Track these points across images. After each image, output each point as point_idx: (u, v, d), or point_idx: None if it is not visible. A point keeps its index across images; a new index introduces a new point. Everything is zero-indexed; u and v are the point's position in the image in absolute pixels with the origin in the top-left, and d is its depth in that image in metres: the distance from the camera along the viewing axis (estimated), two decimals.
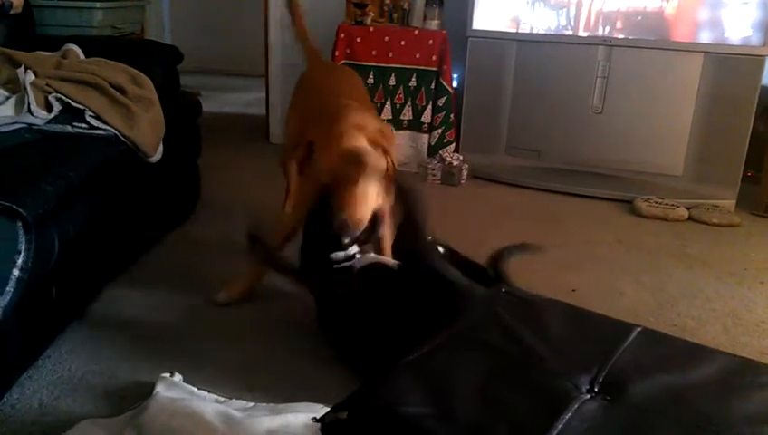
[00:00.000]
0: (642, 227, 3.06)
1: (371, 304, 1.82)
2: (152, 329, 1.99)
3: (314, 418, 1.11)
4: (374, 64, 3.66)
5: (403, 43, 3.63)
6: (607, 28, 3.43)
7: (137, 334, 1.95)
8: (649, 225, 3.10)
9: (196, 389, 1.63)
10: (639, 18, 3.40)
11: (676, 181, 3.40)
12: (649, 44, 3.34)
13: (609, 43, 3.39)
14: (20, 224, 1.49)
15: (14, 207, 1.49)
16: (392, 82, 3.68)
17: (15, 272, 1.46)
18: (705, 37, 3.29)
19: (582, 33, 3.49)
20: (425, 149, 3.76)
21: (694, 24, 3.33)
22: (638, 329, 1.27)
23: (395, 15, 3.75)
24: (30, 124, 2.00)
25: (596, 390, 1.07)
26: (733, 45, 3.21)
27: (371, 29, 3.64)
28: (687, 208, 3.19)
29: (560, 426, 0.97)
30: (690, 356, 1.21)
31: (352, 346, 1.84)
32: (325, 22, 3.82)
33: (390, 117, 3.73)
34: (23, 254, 1.48)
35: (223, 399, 1.61)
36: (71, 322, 1.93)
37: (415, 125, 3.75)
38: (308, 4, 4.08)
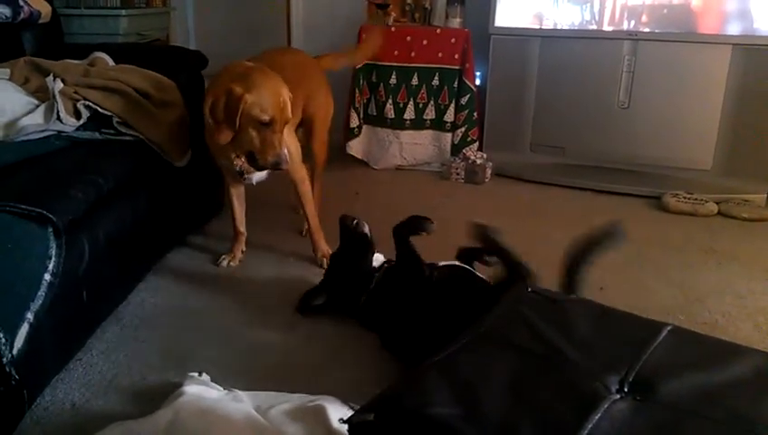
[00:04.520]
0: (671, 223, 3.02)
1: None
2: (181, 330, 2.01)
3: (341, 419, 1.12)
4: (396, 64, 3.65)
5: (425, 42, 3.62)
6: (632, 22, 3.38)
7: (165, 336, 1.98)
8: (678, 221, 3.05)
9: (222, 388, 1.64)
10: (665, 11, 3.35)
11: (705, 176, 3.34)
12: (676, 37, 3.29)
13: (634, 37, 3.34)
14: (51, 230, 1.53)
15: (46, 213, 1.52)
16: (415, 81, 3.67)
17: (47, 277, 1.49)
18: (733, 29, 3.23)
19: (607, 27, 3.44)
20: (448, 148, 3.74)
21: (721, 16, 3.27)
22: (669, 327, 1.25)
23: (416, 15, 3.74)
24: (59, 131, 2.04)
25: (626, 390, 1.06)
26: (762, 36, 3.14)
27: (393, 29, 3.63)
28: (717, 203, 3.14)
29: (589, 426, 0.96)
30: (722, 355, 1.19)
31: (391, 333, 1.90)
32: (347, 23, 3.84)
33: (413, 116, 3.72)
34: (54, 259, 1.51)
35: (249, 393, 1.62)
36: (100, 324, 1.96)
37: (438, 124, 3.73)
38: (330, 6, 4.12)
